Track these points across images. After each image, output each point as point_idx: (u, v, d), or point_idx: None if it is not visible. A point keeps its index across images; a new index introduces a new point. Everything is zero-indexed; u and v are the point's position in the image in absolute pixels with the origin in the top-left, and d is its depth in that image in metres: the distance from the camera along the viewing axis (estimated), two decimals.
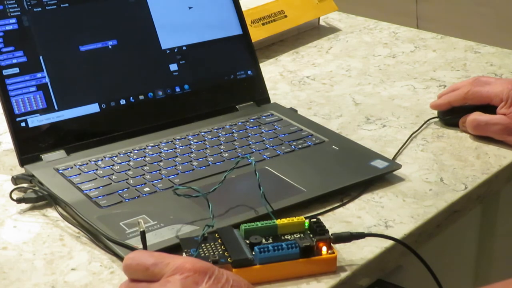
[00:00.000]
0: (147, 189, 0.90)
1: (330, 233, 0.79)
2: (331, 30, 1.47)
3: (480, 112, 1.02)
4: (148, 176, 0.93)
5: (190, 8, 1.10)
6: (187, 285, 0.65)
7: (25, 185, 0.93)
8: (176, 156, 0.97)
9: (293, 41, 1.41)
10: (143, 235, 0.73)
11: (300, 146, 1.00)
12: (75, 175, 0.93)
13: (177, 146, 0.99)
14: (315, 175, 0.94)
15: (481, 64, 1.29)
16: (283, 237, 0.79)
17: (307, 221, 0.80)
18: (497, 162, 0.99)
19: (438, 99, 1.08)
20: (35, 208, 0.91)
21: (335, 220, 0.88)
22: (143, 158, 0.97)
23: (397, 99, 1.17)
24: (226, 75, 1.09)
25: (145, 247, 0.74)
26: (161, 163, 0.95)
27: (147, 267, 0.67)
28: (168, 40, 1.07)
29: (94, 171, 0.94)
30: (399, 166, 0.96)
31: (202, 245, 0.77)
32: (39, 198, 0.90)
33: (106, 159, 0.96)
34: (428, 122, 1.09)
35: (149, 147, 0.99)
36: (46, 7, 1.00)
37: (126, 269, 0.69)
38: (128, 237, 0.81)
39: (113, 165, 0.95)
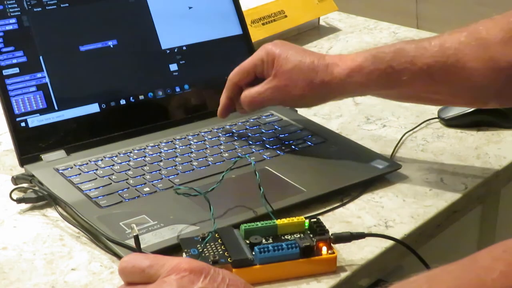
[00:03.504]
0: (147, 189, 0.90)
1: (330, 233, 0.79)
2: (331, 30, 1.47)
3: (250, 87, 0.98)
4: (148, 176, 0.93)
5: (190, 8, 1.10)
6: (183, 284, 0.65)
7: (25, 185, 0.93)
8: (176, 156, 0.97)
9: (293, 41, 1.40)
10: (136, 239, 0.73)
11: (300, 146, 1.00)
12: (75, 175, 0.93)
13: (177, 146, 0.99)
14: (315, 175, 0.94)
15: None
16: (283, 237, 0.79)
17: (307, 221, 0.80)
18: (497, 162, 0.99)
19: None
20: (35, 208, 0.91)
21: (335, 220, 0.88)
22: (143, 158, 0.97)
23: None
24: (226, 75, 1.09)
25: (139, 250, 0.74)
26: (161, 163, 0.95)
27: (142, 269, 0.67)
28: (168, 40, 1.07)
29: (94, 171, 0.94)
30: (399, 166, 0.96)
31: (203, 245, 0.77)
32: (39, 198, 0.90)
33: (106, 159, 0.96)
34: (427, 122, 1.09)
35: (149, 147, 0.99)
36: (46, 7, 1.00)
37: (121, 272, 0.69)
38: (128, 237, 0.81)
39: (113, 165, 0.95)
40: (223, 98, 1.00)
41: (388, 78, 0.89)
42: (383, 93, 0.94)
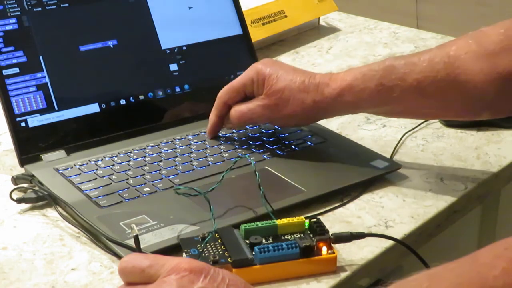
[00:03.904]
0: (147, 189, 0.90)
1: (330, 233, 0.79)
2: (331, 30, 1.47)
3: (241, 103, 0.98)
4: (148, 176, 0.93)
5: (190, 8, 1.10)
6: (183, 284, 0.65)
7: (25, 185, 0.93)
8: (176, 156, 0.97)
9: (293, 41, 1.41)
10: (136, 239, 0.73)
11: (300, 146, 1.00)
12: (75, 175, 0.93)
13: (177, 146, 0.99)
14: (315, 175, 0.94)
15: None
16: (283, 237, 0.79)
17: (307, 221, 0.80)
18: (497, 162, 0.99)
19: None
20: (35, 208, 0.91)
21: (335, 220, 0.88)
22: (143, 158, 0.97)
23: None
24: (226, 75, 1.09)
25: (139, 250, 0.74)
26: (161, 163, 0.95)
27: (142, 269, 0.67)
28: (168, 40, 1.07)
29: (94, 171, 0.94)
30: (399, 166, 0.96)
31: (203, 245, 0.77)
32: (39, 198, 0.90)
33: (106, 159, 0.96)
34: (427, 122, 1.09)
35: (149, 147, 0.99)
36: (46, 7, 1.00)
37: (121, 272, 0.69)
38: (128, 237, 0.81)
39: (113, 165, 0.95)
40: (212, 117, 1.00)
41: (379, 95, 0.90)
42: (375, 111, 0.95)
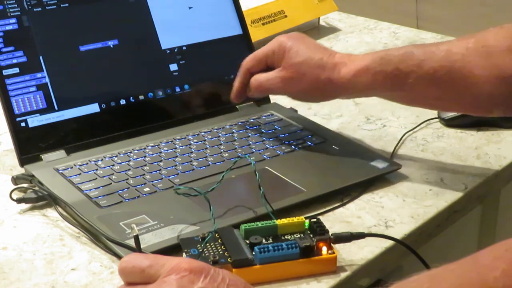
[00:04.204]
0: (147, 189, 0.90)
1: (330, 233, 0.79)
2: (331, 30, 1.47)
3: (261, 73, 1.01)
4: (148, 176, 0.93)
5: (190, 8, 1.10)
6: (183, 284, 0.65)
7: (25, 185, 0.93)
8: (176, 156, 0.97)
9: None
10: (136, 239, 0.73)
11: (300, 146, 1.00)
12: (75, 175, 0.93)
13: (177, 146, 0.99)
14: (315, 175, 0.94)
15: None
16: (283, 237, 0.79)
17: (307, 221, 0.80)
18: (497, 162, 0.99)
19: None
20: (35, 208, 0.91)
21: (335, 220, 0.88)
22: (143, 158, 0.97)
23: None
24: (226, 75, 1.09)
25: (139, 250, 0.74)
26: (161, 163, 0.95)
27: (142, 269, 0.67)
28: (168, 40, 1.07)
29: (94, 171, 0.94)
30: (399, 166, 0.96)
31: (203, 245, 0.77)
32: (39, 198, 0.90)
33: (106, 159, 0.96)
34: (427, 122, 1.09)
35: (149, 147, 0.99)
36: (46, 7, 1.00)
37: (121, 272, 0.69)
38: (128, 237, 0.81)
39: (113, 165, 0.95)
40: (236, 83, 1.02)
41: (394, 80, 0.90)
42: (388, 95, 0.95)
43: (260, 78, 0.99)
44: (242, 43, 1.12)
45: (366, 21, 1.50)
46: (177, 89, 1.07)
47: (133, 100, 1.03)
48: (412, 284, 0.62)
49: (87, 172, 0.93)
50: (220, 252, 0.76)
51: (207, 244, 0.77)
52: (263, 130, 1.04)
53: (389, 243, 0.83)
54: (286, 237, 0.79)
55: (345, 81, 0.93)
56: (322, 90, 0.95)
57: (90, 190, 0.90)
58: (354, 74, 0.92)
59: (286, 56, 0.96)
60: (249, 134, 1.02)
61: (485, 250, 0.61)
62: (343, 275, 0.79)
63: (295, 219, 0.80)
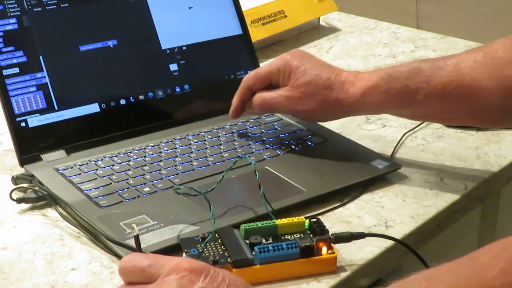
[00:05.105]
0: (147, 189, 0.90)
1: (330, 233, 0.79)
2: (331, 30, 1.47)
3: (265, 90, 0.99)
4: (148, 176, 0.93)
5: (190, 8, 1.10)
6: (183, 284, 0.65)
7: (25, 185, 0.93)
8: (176, 156, 0.97)
9: (293, 41, 1.41)
10: (137, 239, 0.73)
11: (300, 146, 1.00)
12: (75, 175, 0.93)
13: (177, 146, 0.99)
14: (315, 175, 0.94)
15: None
16: (283, 237, 0.79)
17: (307, 221, 0.80)
18: (497, 162, 0.99)
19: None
20: (35, 208, 0.91)
21: (335, 220, 0.88)
22: (143, 158, 0.97)
23: None
24: (226, 75, 1.09)
25: (139, 250, 0.74)
26: (161, 163, 0.95)
27: (142, 268, 0.67)
28: (168, 40, 1.07)
29: (94, 171, 0.94)
30: (399, 166, 0.96)
31: (203, 245, 0.77)
32: (39, 198, 0.90)
33: (106, 159, 0.96)
34: (426, 122, 1.09)
35: (149, 147, 0.99)
36: (46, 7, 1.00)
37: (121, 272, 0.69)
38: (128, 237, 0.81)
39: (113, 165, 0.95)
40: (235, 100, 1.00)
41: (403, 97, 0.89)
42: (398, 112, 0.94)
43: (264, 96, 0.98)
44: (242, 43, 1.12)
45: (366, 21, 1.50)
46: (177, 89, 1.07)
47: (133, 100, 1.03)
48: (410, 283, 0.62)
49: (87, 172, 0.93)
50: (220, 252, 0.76)
51: (207, 244, 0.77)
52: (263, 130, 1.04)
53: (389, 243, 0.83)
54: (286, 237, 0.79)
55: (353, 100, 0.92)
56: (329, 110, 0.95)
57: (90, 190, 0.90)
58: (362, 93, 0.91)
59: (292, 76, 0.95)
60: (249, 134, 1.03)
61: (483, 249, 0.61)
62: (343, 275, 0.79)
63: (295, 219, 0.80)
